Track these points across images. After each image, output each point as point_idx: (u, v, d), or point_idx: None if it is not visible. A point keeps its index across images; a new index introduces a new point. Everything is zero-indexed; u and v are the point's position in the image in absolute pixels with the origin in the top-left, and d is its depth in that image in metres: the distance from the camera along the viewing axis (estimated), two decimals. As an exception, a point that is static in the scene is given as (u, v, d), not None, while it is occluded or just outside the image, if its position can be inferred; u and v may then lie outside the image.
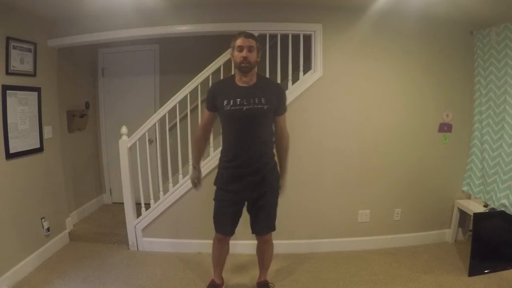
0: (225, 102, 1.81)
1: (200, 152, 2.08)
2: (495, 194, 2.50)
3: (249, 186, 1.88)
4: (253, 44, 1.79)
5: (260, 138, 1.86)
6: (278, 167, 2.00)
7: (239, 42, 1.79)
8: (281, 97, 1.91)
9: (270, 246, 2.09)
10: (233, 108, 1.80)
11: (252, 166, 1.85)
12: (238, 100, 1.79)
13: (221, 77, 2.64)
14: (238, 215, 2.00)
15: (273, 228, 2.01)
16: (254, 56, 1.80)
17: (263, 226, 1.98)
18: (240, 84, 1.85)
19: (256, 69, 1.87)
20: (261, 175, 1.87)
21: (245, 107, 1.79)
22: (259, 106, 1.80)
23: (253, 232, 2.02)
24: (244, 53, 1.76)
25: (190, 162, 2.11)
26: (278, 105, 1.87)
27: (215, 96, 1.87)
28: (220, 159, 1.98)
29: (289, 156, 2.00)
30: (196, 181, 2.11)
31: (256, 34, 2.53)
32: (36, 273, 2.44)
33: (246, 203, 1.98)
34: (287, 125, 1.98)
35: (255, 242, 2.11)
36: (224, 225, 1.98)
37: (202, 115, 2.00)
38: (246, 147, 1.84)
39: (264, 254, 2.11)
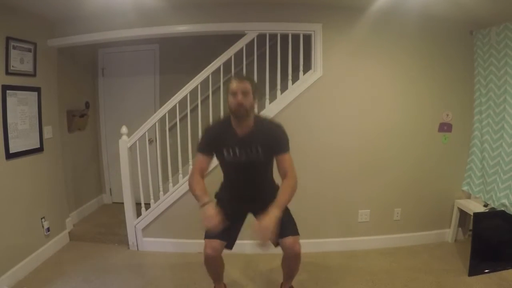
0: (225, 152, 1.75)
1: (203, 188, 1.77)
2: (495, 194, 2.50)
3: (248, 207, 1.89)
4: (248, 88, 1.64)
5: (258, 185, 1.85)
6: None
7: (232, 86, 1.65)
8: (279, 139, 1.74)
9: (298, 250, 1.80)
10: (233, 159, 1.75)
11: (250, 203, 1.87)
12: (237, 149, 1.73)
13: (221, 77, 2.65)
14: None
15: (293, 232, 1.80)
16: (250, 100, 1.65)
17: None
18: (238, 131, 1.73)
19: (253, 112, 1.75)
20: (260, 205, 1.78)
21: (243, 158, 1.73)
22: (255, 155, 1.72)
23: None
24: (239, 99, 1.62)
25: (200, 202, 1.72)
26: (277, 146, 1.73)
27: (214, 141, 1.77)
28: (219, 190, 1.97)
29: (288, 198, 1.69)
30: (215, 218, 1.62)
31: (256, 34, 2.56)
32: (36, 273, 2.44)
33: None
34: (293, 167, 1.73)
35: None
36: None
37: (196, 160, 1.80)
38: (243, 193, 1.85)
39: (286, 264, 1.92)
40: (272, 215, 1.59)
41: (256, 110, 1.88)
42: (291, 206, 2.03)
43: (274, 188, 1.84)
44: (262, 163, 1.77)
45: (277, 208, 1.62)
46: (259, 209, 1.75)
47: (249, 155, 1.73)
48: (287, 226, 1.77)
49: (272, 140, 1.73)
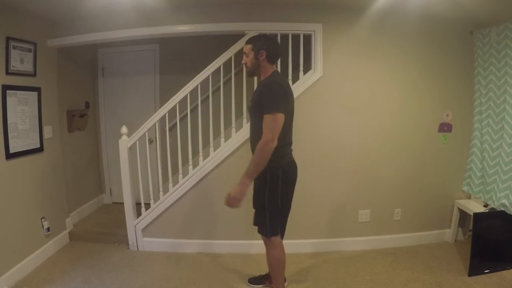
0: None
1: None
2: (495, 194, 2.50)
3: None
4: (246, 50, 1.89)
5: (253, 136, 1.90)
6: (271, 175, 1.83)
7: None
8: (260, 95, 1.78)
9: (268, 251, 1.98)
10: None
11: None
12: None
13: (221, 77, 2.65)
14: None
15: (259, 230, 1.95)
16: (249, 60, 1.89)
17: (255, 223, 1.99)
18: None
19: (267, 67, 1.88)
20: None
21: (248, 105, 1.96)
22: (249, 106, 1.92)
23: None
24: (242, 60, 1.94)
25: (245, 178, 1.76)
26: (260, 105, 1.76)
27: None
28: None
29: (256, 161, 1.73)
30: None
31: (255, 34, 2.55)
32: (36, 273, 2.44)
33: None
34: (267, 129, 1.71)
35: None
36: None
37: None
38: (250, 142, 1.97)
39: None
40: (239, 182, 1.74)
41: (272, 67, 1.91)
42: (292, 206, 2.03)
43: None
44: (251, 115, 1.91)
45: (245, 175, 1.75)
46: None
47: (249, 104, 1.92)
48: (257, 222, 1.94)
49: (257, 97, 1.82)
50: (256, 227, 1.98)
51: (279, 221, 1.94)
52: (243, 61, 1.93)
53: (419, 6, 2.33)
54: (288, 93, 1.83)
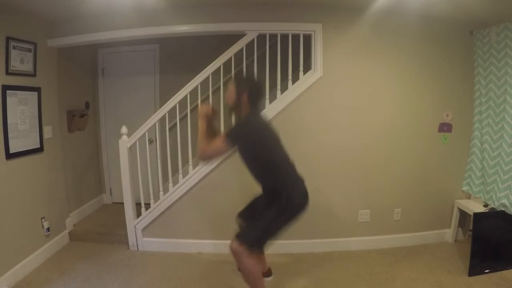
0: None
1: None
2: (495, 194, 2.50)
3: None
4: (230, 89, 1.92)
5: (250, 172, 1.95)
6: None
7: None
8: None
9: (242, 262, 1.83)
10: None
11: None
12: None
13: (221, 77, 2.66)
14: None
15: (244, 240, 1.82)
16: (230, 98, 1.91)
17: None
18: None
19: (247, 107, 1.87)
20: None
21: None
22: None
23: None
24: (226, 97, 1.97)
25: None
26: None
27: None
28: None
29: (200, 144, 1.85)
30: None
31: (256, 34, 2.57)
32: (36, 273, 2.44)
33: None
34: (214, 145, 1.80)
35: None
36: None
37: None
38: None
39: None
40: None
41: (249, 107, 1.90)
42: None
43: (270, 179, 1.91)
44: (238, 151, 1.94)
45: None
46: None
47: None
48: (247, 233, 1.88)
49: None
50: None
51: (270, 241, 1.87)
52: (226, 99, 1.96)
53: (419, 6, 2.33)
54: (259, 129, 1.84)
